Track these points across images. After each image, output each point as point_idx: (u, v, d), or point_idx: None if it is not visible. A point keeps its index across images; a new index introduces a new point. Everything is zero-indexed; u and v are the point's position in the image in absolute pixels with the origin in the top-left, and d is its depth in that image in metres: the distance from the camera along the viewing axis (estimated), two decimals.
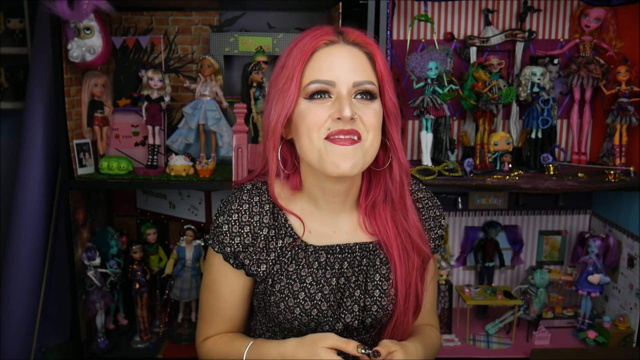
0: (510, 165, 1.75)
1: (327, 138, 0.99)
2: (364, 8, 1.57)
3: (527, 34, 1.85)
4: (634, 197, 1.75)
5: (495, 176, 1.67)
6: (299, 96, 1.01)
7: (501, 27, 1.89)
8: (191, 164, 1.70)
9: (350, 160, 0.99)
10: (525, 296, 1.84)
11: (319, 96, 0.99)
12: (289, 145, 1.09)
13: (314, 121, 0.99)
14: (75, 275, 1.71)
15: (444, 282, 1.89)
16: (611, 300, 1.87)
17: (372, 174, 1.11)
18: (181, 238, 1.85)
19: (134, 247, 1.83)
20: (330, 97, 1.00)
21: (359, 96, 1.00)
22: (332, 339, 1.00)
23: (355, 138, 0.99)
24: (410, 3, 1.84)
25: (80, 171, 1.70)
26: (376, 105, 1.02)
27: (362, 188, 1.12)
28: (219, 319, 1.15)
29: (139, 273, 1.82)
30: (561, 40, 1.90)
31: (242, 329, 1.20)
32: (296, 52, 1.01)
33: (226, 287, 1.13)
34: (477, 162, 1.75)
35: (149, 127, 1.72)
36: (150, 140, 1.74)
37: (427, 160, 1.70)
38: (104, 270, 1.76)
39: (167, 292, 1.86)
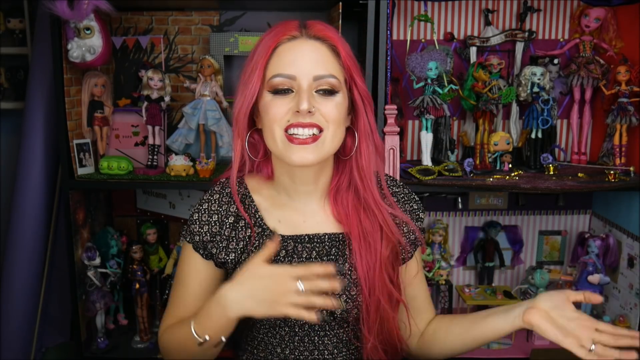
0: (510, 165, 1.75)
1: (286, 130, 1.02)
2: (364, 8, 1.57)
3: (527, 34, 1.85)
4: (634, 197, 1.75)
5: (495, 176, 1.67)
6: (262, 88, 1.04)
7: (501, 27, 1.89)
8: (191, 164, 1.70)
9: (312, 152, 1.02)
10: (525, 296, 1.84)
11: (281, 92, 1.03)
12: (260, 132, 1.11)
13: (275, 114, 1.03)
14: (75, 275, 1.71)
15: (444, 282, 1.89)
16: (611, 300, 1.88)
17: (340, 162, 1.13)
18: (181, 238, 1.85)
19: (134, 247, 1.83)
20: (292, 91, 1.03)
21: (320, 91, 1.03)
22: (258, 256, 0.97)
23: (316, 131, 1.02)
24: (410, 3, 1.84)
25: (80, 171, 1.70)
26: (338, 98, 1.04)
27: (333, 176, 1.14)
28: (184, 311, 1.14)
29: (139, 273, 1.82)
30: (561, 40, 1.90)
31: None
32: (261, 46, 1.05)
33: (194, 278, 1.14)
34: (477, 162, 1.75)
35: (149, 127, 1.72)
36: (150, 140, 1.74)
37: (427, 160, 1.70)
38: (104, 270, 1.76)
39: (167, 292, 1.85)
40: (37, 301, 1.84)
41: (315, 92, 1.03)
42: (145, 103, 1.71)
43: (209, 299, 1.03)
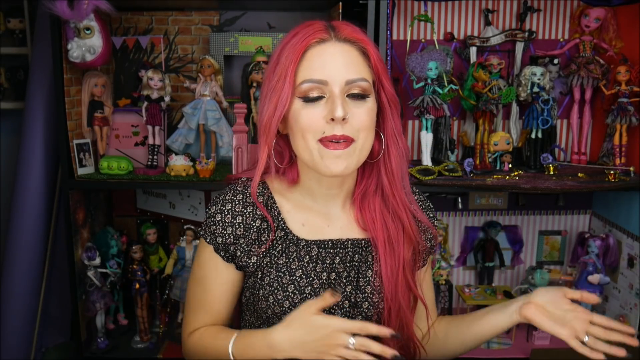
0: (510, 165, 1.75)
1: (320, 141, 1.00)
2: (364, 8, 1.57)
3: (527, 34, 1.85)
4: (634, 197, 1.75)
5: (495, 176, 1.67)
6: (293, 95, 1.01)
7: (501, 27, 1.89)
8: (191, 164, 1.70)
9: (344, 162, 1.00)
10: None
11: (312, 99, 1.00)
12: (286, 139, 1.09)
13: (307, 124, 1.00)
14: (75, 275, 1.71)
15: (444, 282, 1.89)
16: (611, 300, 1.88)
17: (366, 165, 1.12)
18: (181, 238, 1.86)
19: (134, 247, 1.83)
20: (324, 97, 1.00)
21: (351, 95, 1.01)
22: (314, 304, 0.97)
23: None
24: (410, 3, 1.84)
25: (80, 171, 1.70)
26: (369, 103, 1.03)
27: (356, 180, 1.13)
28: (205, 313, 1.14)
29: (139, 273, 1.82)
30: (561, 40, 1.90)
31: (228, 324, 1.18)
32: (288, 50, 1.01)
33: (215, 280, 1.12)
34: (477, 162, 1.75)
35: (149, 127, 1.72)
36: (150, 140, 1.74)
37: (427, 160, 1.70)
38: (104, 270, 1.76)
39: (167, 292, 1.86)
40: (37, 301, 1.84)
41: (347, 96, 1.00)
42: (145, 103, 1.71)
43: (257, 333, 1.03)
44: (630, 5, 1.68)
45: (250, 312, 1.14)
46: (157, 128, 1.73)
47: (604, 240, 1.82)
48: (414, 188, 1.21)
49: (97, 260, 1.73)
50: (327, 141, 0.99)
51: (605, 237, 1.82)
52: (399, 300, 1.08)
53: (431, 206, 1.22)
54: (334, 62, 1.00)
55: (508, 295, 1.84)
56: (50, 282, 1.88)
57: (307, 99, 1.00)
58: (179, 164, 1.68)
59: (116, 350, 1.81)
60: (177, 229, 2.00)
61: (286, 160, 1.11)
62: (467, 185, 1.63)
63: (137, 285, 1.82)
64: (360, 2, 1.58)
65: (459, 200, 1.92)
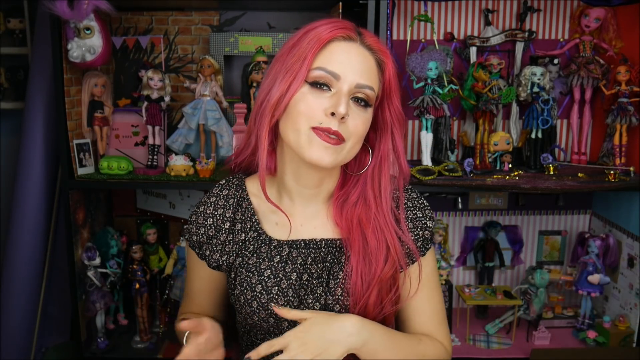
0: (510, 165, 1.75)
1: (314, 128, 0.99)
2: (364, 8, 1.57)
3: (527, 34, 1.85)
4: (634, 197, 1.75)
5: (495, 176, 1.67)
6: (304, 78, 1.00)
7: (501, 27, 1.89)
8: (191, 164, 1.70)
9: (331, 155, 0.99)
10: (525, 296, 1.84)
11: (319, 86, 1.00)
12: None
13: (306, 111, 0.99)
14: (75, 275, 1.71)
15: (444, 282, 1.88)
16: (611, 300, 1.88)
17: (349, 174, 1.12)
18: (181, 238, 1.86)
19: (134, 247, 1.83)
20: (330, 90, 1.00)
21: (355, 99, 1.01)
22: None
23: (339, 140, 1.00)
24: (410, 3, 1.84)
25: (80, 171, 1.70)
26: (368, 114, 1.03)
27: (337, 184, 1.12)
28: (190, 301, 1.22)
29: (139, 273, 1.82)
30: (561, 40, 1.90)
31: (217, 316, 1.21)
32: (313, 35, 1.00)
33: (194, 274, 1.19)
34: (477, 162, 1.75)
35: (149, 127, 1.72)
36: (150, 140, 1.74)
37: (427, 160, 1.70)
38: (104, 270, 1.76)
39: (167, 292, 1.86)
40: (37, 301, 1.84)
41: (351, 99, 1.01)
42: (145, 103, 1.71)
43: None
44: (630, 5, 1.68)
45: (238, 312, 1.15)
46: (157, 128, 1.73)
47: (604, 240, 1.82)
48: (405, 185, 1.15)
49: (97, 260, 1.73)
50: (320, 131, 0.99)
51: (605, 237, 1.82)
52: (367, 315, 1.05)
53: (424, 204, 1.14)
54: (352, 63, 1.00)
55: (508, 295, 1.84)
56: (50, 282, 1.88)
57: (314, 84, 0.99)
58: (179, 164, 1.68)
59: (116, 350, 1.81)
60: (177, 229, 2.00)
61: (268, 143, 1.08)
62: (467, 185, 1.63)
63: (137, 285, 1.82)
64: (360, 2, 1.58)
65: (459, 200, 1.92)
